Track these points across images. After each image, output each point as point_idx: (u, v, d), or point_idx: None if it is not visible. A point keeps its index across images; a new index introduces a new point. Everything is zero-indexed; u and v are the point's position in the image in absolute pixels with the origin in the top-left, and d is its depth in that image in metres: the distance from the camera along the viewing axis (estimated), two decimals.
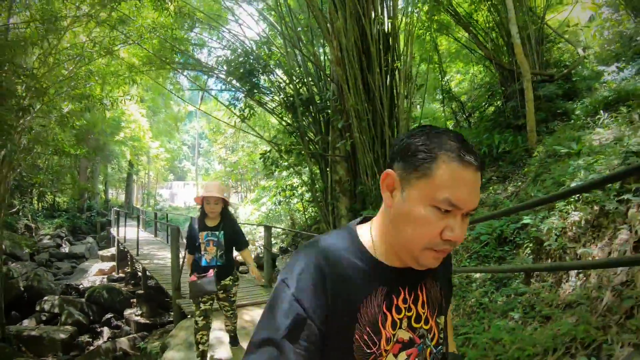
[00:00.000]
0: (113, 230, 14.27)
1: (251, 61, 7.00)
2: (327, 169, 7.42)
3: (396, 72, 6.63)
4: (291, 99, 7.20)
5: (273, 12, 8.49)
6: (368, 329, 0.81)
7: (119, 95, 9.21)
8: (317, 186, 7.49)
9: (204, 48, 9.68)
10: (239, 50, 7.68)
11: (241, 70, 6.86)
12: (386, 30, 6.50)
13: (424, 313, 0.89)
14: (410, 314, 0.87)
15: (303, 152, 6.98)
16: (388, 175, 0.82)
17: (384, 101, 6.37)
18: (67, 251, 14.63)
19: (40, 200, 17.06)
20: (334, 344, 0.79)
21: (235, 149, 20.59)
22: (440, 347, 0.93)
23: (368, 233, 0.88)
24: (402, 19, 7.07)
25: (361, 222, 0.94)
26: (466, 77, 11.44)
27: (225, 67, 7.30)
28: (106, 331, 7.78)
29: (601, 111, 5.82)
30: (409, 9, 7.45)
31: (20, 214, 14.58)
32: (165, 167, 25.65)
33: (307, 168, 7.78)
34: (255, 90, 7.19)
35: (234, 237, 3.54)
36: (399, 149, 0.82)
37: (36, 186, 11.66)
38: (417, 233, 0.77)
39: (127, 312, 8.51)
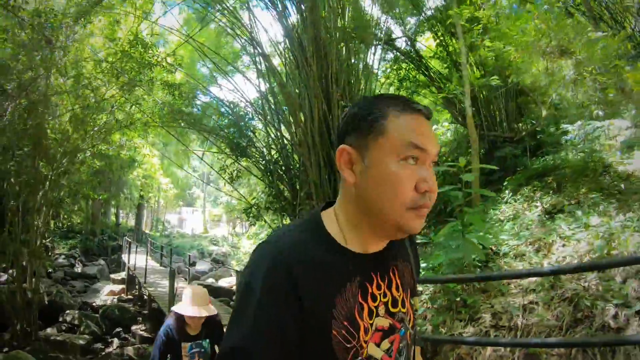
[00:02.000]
0: (124, 257, 16.86)
1: (238, 135, 9.65)
2: None
3: None
4: (269, 165, 9.62)
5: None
6: (345, 322, 0.80)
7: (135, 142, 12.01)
8: None
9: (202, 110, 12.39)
10: (232, 117, 10.35)
11: (234, 141, 9.47)
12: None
13: (399, 296, 0.92)
14: (385, 299, 0.89)
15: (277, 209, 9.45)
16: (343, 151, 0.86)
17: (337, 170, 8.66)
18: (80, 271, 17.11)
19: (56, 221, 19.90)
20: (311, 344, 0.78)
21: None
22: (415, 328, 0.99)
23: (334, 220, 0.89)
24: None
25: (324, 208, 0.94)
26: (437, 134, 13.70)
27: (219, 134, 10.02)
28: (116, 341, 10.11)
29: (520, 186, 7.80)
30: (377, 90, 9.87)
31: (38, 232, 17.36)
32: (174, 195, 28.50)
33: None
34: (242, 157, 9.77)
35: (220, 338, 3.13)
36: (347, 121, 0.87)
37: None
38: (394, 192, 0.80)
39: (134, 327, 10.85)
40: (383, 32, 10.55)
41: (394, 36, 11.01)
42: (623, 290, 3.48)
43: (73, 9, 8.50)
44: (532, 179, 7.22)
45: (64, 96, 9.36)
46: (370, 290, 0.86)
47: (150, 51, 8.87)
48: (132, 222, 29.99)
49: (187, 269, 17.61)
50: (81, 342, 9.49)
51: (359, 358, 0.82)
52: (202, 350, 3.08)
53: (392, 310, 0.89)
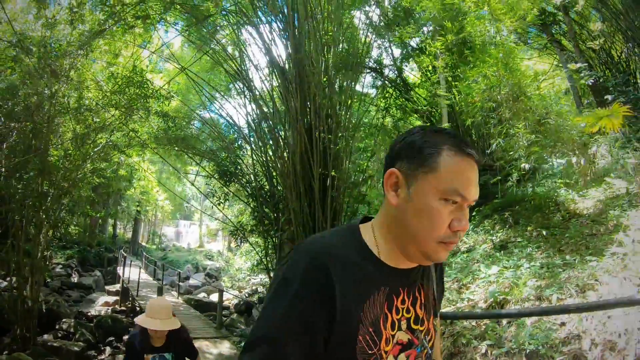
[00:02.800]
0: (119, 270, 17.89)
1: (227, 160, 10.78)
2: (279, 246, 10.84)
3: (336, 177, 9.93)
4: (255, 191, 10.70)
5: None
6: (370, 329, 0.90)
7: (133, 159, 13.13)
8: (268, 258, 10.90)
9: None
10: (222, 142, 11.47)
11: (223, 167, 10.57)
12: (330, 147, 9.86)
13: (421, 314, 1.02)
14: (409, 315, 0.98)
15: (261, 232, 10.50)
16: (392, 174, 0.95)
17: (316, 199, 9.55)
18: (76, 281, 18.06)
19: (54, 233, 20.96)
20: (339, 344, 0.87)
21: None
22: (432, 348, 1.06)
23: (370, 233, 0.98)
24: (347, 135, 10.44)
25: (362, 222, 1.03)
26: None
27: (210, 158, 11.18)
28: (108, 349, 11.02)
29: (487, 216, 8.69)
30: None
31: (34, 240, 18.53)
32: (171, 210, 29.64)
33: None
34: (230, 182, 10.88)
35: (185, 352, 3.38)
36: (402, 147, 0.95)
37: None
38: (430, 226, 0.90)
39: (125, 337, 11.78)
40: (371, 61, 11.72)
41: (384, 62, 12.16)
42: (499, 333, 4.12)
43: (75, 38, 9.62)
44: (497, 211, 7.87)
45: (66, 117, 10.46)
46: (395, 303, 0.95)
47: (145, 85, 10.01)
48: (129, 234, 31.14)
49: (179, 284, 18.67)
50: (76, 348, 10.38)
51: None
52: None
53: (413, 326, 0.98)
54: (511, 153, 6.98)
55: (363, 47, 10.38)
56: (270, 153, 10.31)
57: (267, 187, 10.57)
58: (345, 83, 10.04)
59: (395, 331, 0.94)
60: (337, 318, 0.85)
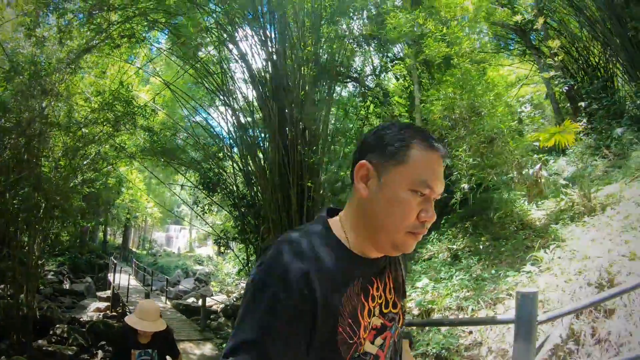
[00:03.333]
0: (110, 276, 18.58)
1: (210, 171, 11.59)
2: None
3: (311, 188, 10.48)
4: (237, 200, 11.48)
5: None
6: (349, 320, 0.94)
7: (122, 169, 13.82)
8: (250, 265, 11.68)
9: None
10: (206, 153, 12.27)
11: (207, 176, 11.38)
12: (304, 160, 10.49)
13: (391, 298, 1.08)
14: (380, 301, 1.04)
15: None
16: (363, 166, 0.99)
17: (293, 209, 10.22)
18: (68, 287, 18.75)
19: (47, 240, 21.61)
20: (321, 339, 0.90)
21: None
22: (403, 327, 1.15)
23: (339, 226, 1.03)
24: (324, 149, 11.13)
25: (329, 214, 1.08)
26: None
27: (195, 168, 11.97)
28: (100, 353, 11.71)
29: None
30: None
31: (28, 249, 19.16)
32: (160, 216, 30.26)
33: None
34: (213, 193, 11.67)
35: (168, 351, 3.72)
36: (373, 140, 1.00)
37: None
38: (399, 215, 0.95)
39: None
40: (353, 70, 12.44)
41: (365, 71, 12.87)
42: (419, 337, 4.75)
43: (64, 55, 10.26)
44: (462, 220, 8.39)
45: (56, 131, 11.09)
46: (371, 292, 1.01)
47: (131, 102, 10.77)
48: (120, 240, 31.79)
49: (169, 289, 19.39)
50: (69, 353, 11.08)
51: (357, 354, 0.96)
52: (149, 358, 3.52)
53: (384, 310, 1.04)
54: (455, 173, 7.51)
55: (342, 58, 11.08)
56: (251, 164, 11.04)
57: (249, 196, 11.33)
58: (322, 95, 10.77)
59: (371, 318, 1.00)
60: (318, 315, 0.88)
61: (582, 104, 11.17)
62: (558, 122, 13.01)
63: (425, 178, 0.94)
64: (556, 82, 11.59)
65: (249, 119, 11.31)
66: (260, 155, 10.80)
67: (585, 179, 7.83)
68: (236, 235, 11.55)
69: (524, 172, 7.18)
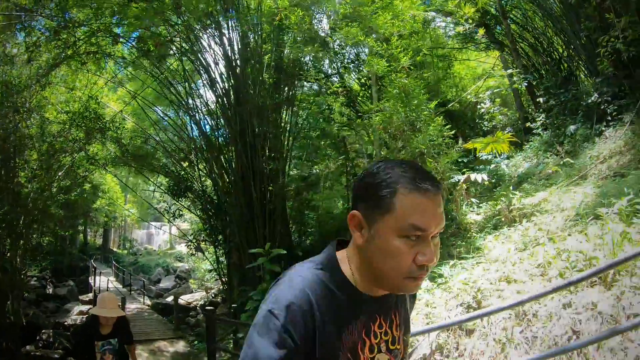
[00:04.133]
0: (90, 280, 19.42)
1: (179, 179, 12.52)
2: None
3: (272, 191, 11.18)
4: (206, 205, 12.46)
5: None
6: (349, 355, 1.00)
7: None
8: (222, 265, 12.65)
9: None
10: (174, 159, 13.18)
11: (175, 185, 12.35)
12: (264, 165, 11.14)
13: (398, 335, 1.13)
14: (387, 337, 1.09)
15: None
16: (354, 217, 1.02)
17: (255, 211, 10.96)
18: (51, 292, 19.53)
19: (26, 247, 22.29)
20: None
21: None
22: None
23: (346, 264, 1.06)
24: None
25: (338, 245, 1.12)
26: None
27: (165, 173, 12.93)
28: None
29: None
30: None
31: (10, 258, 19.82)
32: (139, 215, 30.97)
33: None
34: (181, 198, 12.62)
35: (126, 338, 4.11)
36: (360, 189, 1.03)
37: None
38: (393, 264, 0.96)
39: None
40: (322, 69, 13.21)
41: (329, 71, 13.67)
42: None
43: (33, 72, 10.89)
44: None
45: (30, 142, 11.76)
46: (372, 329, 1.05)
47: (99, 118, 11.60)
48: (100, 241, 32.47)
49: (151, 288, 20.37)
50: (56, 356, 11.90)
51: None
52: (111, 347, 3.89)
53: (391, 347, 1.09)
54: None
55: (302, 62, 11.87)
56: (216, 169, 11.93)
57: (216, 200, 12.25)
58: (281, 99, 11.59)
59: (374, 354, 1.04)
60: (317, 348, 0.95)
61: (541, 99, 11.56)
62: (520, 118, 13.79)
63: (413, 222, 0.94)
64: (514, 79, 11.99)
65: (213, 123, 12.16)
66: (224, 162, 11.67)
67: (518, 186, 8.76)
68: (205, 237, 12.53)
69: (445, 183, 7.75)
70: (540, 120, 11.00)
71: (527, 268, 4.93)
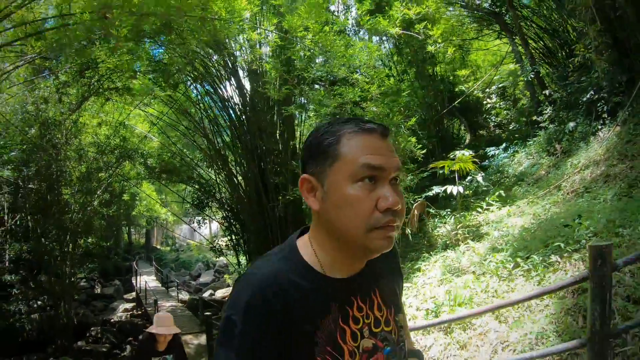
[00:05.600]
0: (133, 280, 22.35)
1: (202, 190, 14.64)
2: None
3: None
4: (227, 214, 14.43)
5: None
6: (328, 348, 0.96)
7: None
8: (239, 268, 14.75)
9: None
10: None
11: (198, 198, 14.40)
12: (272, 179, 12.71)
13: (382, 315, 1.07)
14: (368, 320, 1.04)
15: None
16: (304, 180, 1.00)
17: (268, 220, 12.74)
18: (99, 292, 22.24)
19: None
20: None
21: None
22: (401, 345, 1.12)
23: (309, 247, 1.03)
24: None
25: (300, 233, 1.10)
26: None
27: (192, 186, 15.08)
28: (128, 348, 15.00)
29: None
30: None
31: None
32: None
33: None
34: (204, 209, 14.73)
35: (180, 355, 4.66)
36: (305, 150, 1.03)
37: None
38: (354, 214, 0.92)
39: (141, 337, 15.92)
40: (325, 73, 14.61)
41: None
42: None
43: (65, 109, 13.04)
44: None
45: (71, 163, 14.07)
46: (351, 314, 1.01)
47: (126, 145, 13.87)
48: (144, 239, 35.76)
49: (190, 283, 22.96)
50: (103, 349, 14.26)
51: None
52: None
53: (374, 330, 1.04)
54: None
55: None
56: (233, 182, 13.85)
57: (235, 209, 14.25)
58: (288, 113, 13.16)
59: (358, 342, 1.01)
60: (288, 346, 0.93)
61: (547, 91, 11.46)
62: (526, 110, 14.00)
63: (363, 161, 0.93)
64: (519, 73, 12.61)
65: (227, 140, 14.02)
66: (238, 174, 13.58)
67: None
68: (227, 242, 14.73)
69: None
70: (547, 113, 10.80)
71: (417, 304, 5.80)
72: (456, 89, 15.30)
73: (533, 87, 12.61)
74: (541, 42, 13.80)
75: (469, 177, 9.11)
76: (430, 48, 11.27)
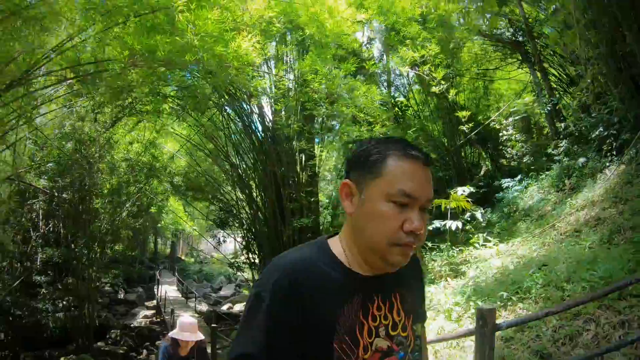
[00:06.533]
0: (155, 289, 23.75)
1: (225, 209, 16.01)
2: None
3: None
4: (246, 233, 15.80)
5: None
6: (347, 337, 1.04)
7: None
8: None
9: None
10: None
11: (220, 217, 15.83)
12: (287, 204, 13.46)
13: (400, 320, 1.15)
14: (386, 322, 1.12)
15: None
16: (345, 185, 1.12)
17: (283, 242, 13.52)
18: (122, 297, 23.55)
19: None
20: (315, 354, 1.03)
21: None
22: (416, 354, 1.20)
23: (339, 245, 1.15)
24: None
25: (331, 236, 1.20)
26: None
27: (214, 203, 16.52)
28: (145, 352, 16.20)
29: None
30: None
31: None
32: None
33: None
34: (224, 227, 16.12)
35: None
36: (353, 158, 1.14)
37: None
38: (380, 228, 1.04)
39: (157, 342, 17.19)
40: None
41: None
42: None
43: (100, 127, 14.51)
44: None
45: (103, 175, 15.58)
46: (371, 310, 1.10)
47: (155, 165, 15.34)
48: (169, 249, 37.40)
49: (211, 295, 24.28)
50: (121, 351, 15.25)
51: None
52: None
53: (391, 333, 1.12)
54: None
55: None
56: (253, 206, 15.03)
57: (253, 229, 15.54)
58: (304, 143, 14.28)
59: (372, 338, 1.09)
60: (309, 328, 1.02)
61: (563, 124, 11.39)
62: (546, 142, 13.36)
63: (401, 187, 1.04)
64: (535, 104, 12.61)
65: (249, 164, 15.10)
66: (260, 201, 14.76)
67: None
68: (245, 260, 16.09)
69: None
70: (562, 146, 10.71)
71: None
72: (479, 118, 15.37)
73: (552, 119, 12.40)
74: (564, 72, 13.66)
75: (467, 214, 9.38)
76: (434, 89, 12.00)
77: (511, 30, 13.34)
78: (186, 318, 4.66)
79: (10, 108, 9.33)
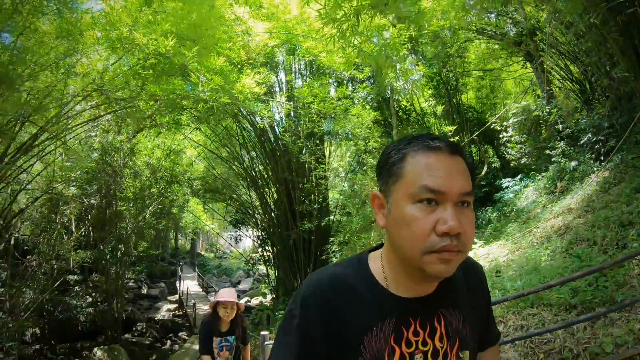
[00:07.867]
0: (177, 284, 25.50)
1: (242, 211, 17.75)
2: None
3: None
4: (260, 232, 17.52)
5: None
6: None
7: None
8: (271, 279, 17.64)
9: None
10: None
11: (236, 217, 17.65)
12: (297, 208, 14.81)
13: (442, 347, 1.07)
14: (425, 348, 1.05)
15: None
16: (374, 197, 1.07)
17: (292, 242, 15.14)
18: (145, 292, 25.29)
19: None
20: None
21: None
22: None
23: (378, 262, 1.10)
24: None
25: (376, 248, 1.16)
26: None
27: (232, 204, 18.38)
28: (168, 342, 17.75)
29: None
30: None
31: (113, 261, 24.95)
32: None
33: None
34: (241, 226, 17.98)
35: (243, 337, 4.65)
36: (376, 167, 1.08)
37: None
38: (409, 235, 0.96)
39: (180, 333, 19.00)
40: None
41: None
42: None
43: (124, 137, 16.15)
44: None
45: (127, 180, 17.34)
46: (405, 335, 1.03)
47: (176, 172, 17.01)
48: (190, 245, 39.03)
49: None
50: (147, 342, 16.84)
51: None
52: (229, 344, 4.47)
53: None
54: None
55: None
56: (265, 208, 16.47)
57: (267, 230, 17.26)
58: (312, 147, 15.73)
59: None
60: (335, 350, 1.01)
61: (560, 126, 11.42)
62: (544, 143, 14.65)
63: (424, 183, 0.95)
64: (533, 106, 12.59)
65: (262, 169, 16.54)
66: (272, 204, 16.27)
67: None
68: (260, 257, 17.91)
69: None
70: (559, 147, 10.94)
71: None
72: (485, 117, 16.17)
73: (555, 122, 12.02)
74: (568, 72, 13.49)
75: None
76: (424, 105, 13.30)
77: (513, 30, 13.70)
78: (226, 288, 5.38)
79: (47, 133, 10.97)
